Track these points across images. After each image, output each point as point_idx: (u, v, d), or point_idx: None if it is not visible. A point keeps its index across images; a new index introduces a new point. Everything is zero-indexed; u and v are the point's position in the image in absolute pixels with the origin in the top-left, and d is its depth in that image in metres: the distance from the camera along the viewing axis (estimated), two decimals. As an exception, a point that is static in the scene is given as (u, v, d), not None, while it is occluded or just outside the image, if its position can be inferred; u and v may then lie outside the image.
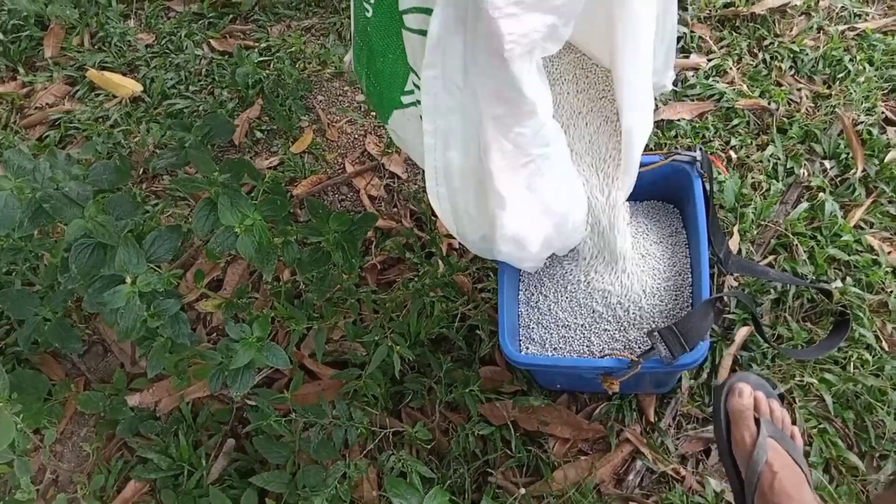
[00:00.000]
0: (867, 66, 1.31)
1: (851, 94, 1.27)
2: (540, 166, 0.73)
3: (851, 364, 1.04)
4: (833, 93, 1.29)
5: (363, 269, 1.23)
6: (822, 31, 1.38)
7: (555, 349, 0.95)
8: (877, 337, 1.06)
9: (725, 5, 1.43)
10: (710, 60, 1.37)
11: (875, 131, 1.23)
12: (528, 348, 0.97)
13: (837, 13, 1.39)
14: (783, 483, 0.84)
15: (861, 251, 1.13)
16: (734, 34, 1.40)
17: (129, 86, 1.55)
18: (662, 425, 1.05)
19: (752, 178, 1.22)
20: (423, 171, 0.77)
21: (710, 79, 1.34)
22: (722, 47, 1.39)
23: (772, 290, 1.11)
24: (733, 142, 1.27)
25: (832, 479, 0.99)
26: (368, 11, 0.75)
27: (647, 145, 1.27)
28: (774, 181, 1.21)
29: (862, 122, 1.24)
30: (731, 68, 1.35)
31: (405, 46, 0.74)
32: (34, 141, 1.51)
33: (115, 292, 0.84)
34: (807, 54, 1.34)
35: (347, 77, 1.50)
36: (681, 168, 0.97)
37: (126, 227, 1.01)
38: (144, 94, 1.55)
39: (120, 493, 1.09)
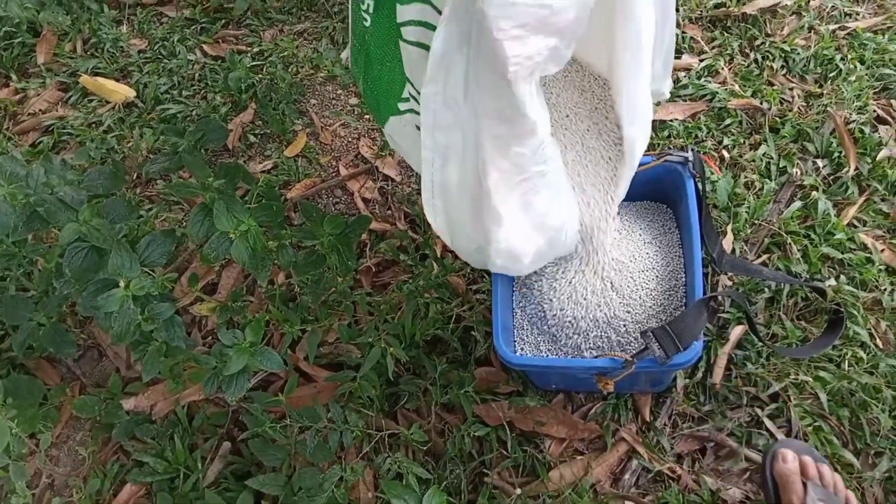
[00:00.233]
0: (858, 64, 1.31)
1: (843, 92, 1.28)
2: (536, 184, 0.74)
3: (846, 362, 1.04)
4: (825, 92, 1.30)
5: (358, 272, 1.23)
6: (813, 31, 1.38)
7: (549, 350, 0.96)
8: (871, 335, 1.06)
9: (716, 6, 1.43)
10: (701, 61, 1.37)
11: (867, 130, 1.23)
12: (522, 349, 0.97)
13: (828, 13, 1.40)
14: None
15: (854, 249, 1.14)
16: (725, 34, 1.40)
17: (123, 91, 1.55)
18: (658, 424, 1.06)
19: (745, 177, 1.23)
20: (417, 174, 0.77)
21: (703, 79, 1.35)
22: (713, 47, 1.40)
23: (766, 289, 1.12)
24: (726, 141, 1.27)
25: (827, 476, 0.99)
26: (367, 21, 0.75)
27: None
28: (767, 180, 1.22)
29: (854, 121, 1.25)
30: (722, 68, 1.36)
31: (402, 56, 0.75)
32: (27, 147, 1.51)
33: (109, 296, 0.84)
34: (798, 54, 1.35)
35: (340, 81, 1.50)
36: (673, 168, 0.97)
37: (121, 231, 1.02)
38: (138, 100, 1.55)
39: (116, 496, 1.09)
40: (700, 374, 1.07)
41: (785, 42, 1.37)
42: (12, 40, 1.66)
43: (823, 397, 1.03)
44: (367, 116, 1.45)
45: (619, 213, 0.98)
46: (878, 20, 1.37)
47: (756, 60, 1.36)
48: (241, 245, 0.89)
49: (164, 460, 1.08)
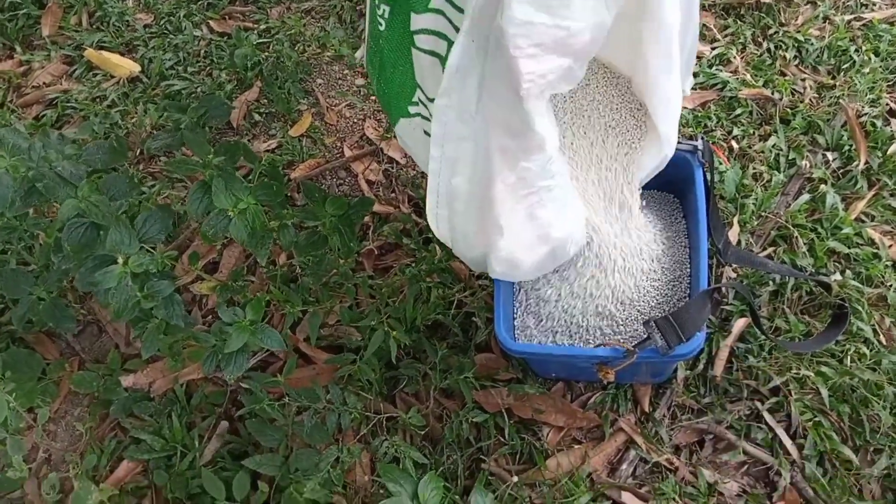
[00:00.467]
0: (873, 56, 1.29)
1: (856, 84, 1.26)
2: (542, 198, 0.75)
3: (848, 358, 1.04)
4: (837, 83, 1.28)
5: (360, 254, 1.22)
6: (827, 21, 1.36)
7: (550, 338, 0.95)
8: (875, 331, 1.05)
9: (731, -7, 1.41)
10: (714, 49, 1.35)
11: (879, 123, 1.21)
12: (523, 337, 0.96)
13: (844, 3, 1.38)
14: None
15: (861, 244, 1.12)
16: (739, 22, 1.38)
17: (127, 66, 1.54)
18: (657, 415, 1.05)
19: (754, 168, 1.21)
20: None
21: (714, 67, 1.33)
22: (726, 35, 1.37)
23: (770, 282, 1.11)
24: (735, 131, 1.25)
25: (825, 472, 0.99)
26: (381, 25, 0.77)
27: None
28: (776, 172, 1.20)
29: (866, 114, 1.23)
30: (735, 57, 1.34)
31: (413, 63, 0.76)
32: (31, 120, 1.50)
33: (107, 272, 0.83)
34: (812, 44, 1.32)
35: (347, 61, 1.48)
36: (682, 157, 0.96)
37: (121, 207, 1.01)
38: (142, 75, 1.53)
39: (113, 472, 1.09)
40: (701, 366, 1.07)
41: (799, 32, 1.34)
42: (17, 11, 1.64)
43: (824, 392, 1.02)
44: (372, 98, 1.43)
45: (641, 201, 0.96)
46: (894, 11, 1.34)
47: (769, 50, 1.34)
48: (240, 223, 0.88)
49: (162, 438, 1.08)
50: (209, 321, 1.21)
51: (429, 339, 1.12)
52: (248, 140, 1.42)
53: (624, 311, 0.93)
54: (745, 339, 1.08)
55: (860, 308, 1.06)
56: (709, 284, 0.88)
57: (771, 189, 1.18)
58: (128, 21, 1.62)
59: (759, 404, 1.04)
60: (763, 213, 1.16)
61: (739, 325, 1.08)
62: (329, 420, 0.99)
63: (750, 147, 1.23)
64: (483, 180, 0.73)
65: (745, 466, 1.02)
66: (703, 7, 1.41)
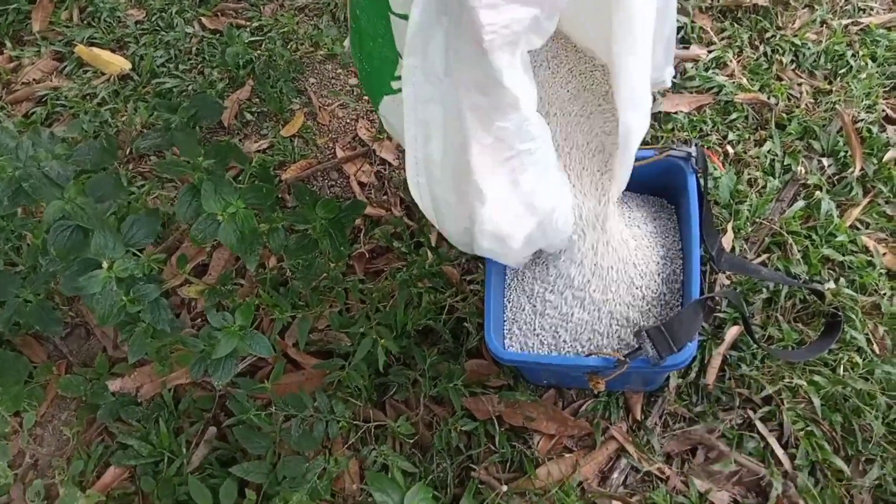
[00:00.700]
0: (870, 62, 1.28)
1: (852, 90, 1.25)
2: (524, 162, 0.71)
3: (841, 367, 1.03)
4: (834, 89, 1.27)
5: (351, 258, 1.21)
6: (825, 25, 1.35)
7: (541, 346, 0.94)
8: (868, 340, 1.04)
9: (728, -4, 1.40)
10: (710, 52, 1.34)
11: (875, 129, 1.21)
12: (514, 345, 0.95)
13: (841, 7, 1.36)
14: None
15: (856, 252, 1.11)
16: (735, 25, 1.37)
17: (118, 63, 1.52)
18: (649, 424, 1.04)
19: (749, 174, 1.20)
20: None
21: (710, 71, 1.32)
22: (723, 39, 1.36)
23: (764, 290, 1.10)
24: (731, 136, 1.24)
25: (817, 482, 0.98)
26: None
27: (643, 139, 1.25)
28: (771, 178, 1.19)
29: (862, 120, 1.22)
30: (731, 61, 1.32)
31: (393, 31, 0.73)
32: (20, 118, 1.48)
33: (91, 277, 0.82)
34: (809, 48, 1.31)
35: (340, 59, 1.47)
36: (675, 163, 0.95)
37: (109, 209, 1.00)
38: (133, 72, 1.52)
39: (99, 478, 1.08)
40: (693, 374, 1.06)
41: (796, 36, 1.33)
42: (7, 6, 1.62)
43: (817, 402, 1.01)
44: (365, 98, 1.42)
45: (619, 206, 0.96)
46: (892, 16, 1.33)
47: (765, 54, 1.33)
48: (229, 227, 0.87)
49: (149, 444, 1.07)
50: (198, 324, 1.20)
51: (419, 345, 1.11)
52: (240, 140, 1.40)
53: (616, 318, 0.92)
54: (737, 347, 1.07)
55: (854, 316, 1.05)
56: (701, 293, 0.87)
57: (766, 195, 1.17)
58: (119, 17, 1.60)
59: (751, 413, 1.03)
60: (757, 220, 1.16)
61: (732, 332, 1.07)
62: (316, 428, 0.98)
63: (745, 152, 1.22)
64: (459, 143, 0.70)
65: (737, 476, 1.01)
66: (700, 9, 1.40)
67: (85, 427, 1.13)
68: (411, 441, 1.05)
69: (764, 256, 1.14)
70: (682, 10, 1.39)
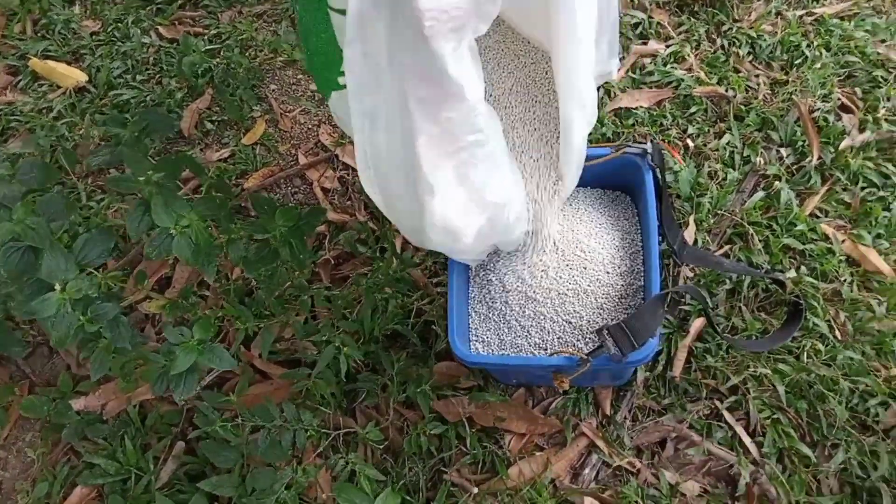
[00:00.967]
0: (824, 51, 1.30)
1: (808, 80, 1.26)
2: (473, 153, 0.70)
3: (805, 354, 1.04)
4: (790, 79, 1.28)
5: (316, 265, 1.20)
6: (780, 16, 1.36)
7: (506, 347, 0.94)
8: (830, 326, 1.06)
9: (684, -11, 1.41)
10: (668, 47, 1.35)
11: (831, 118, 1.22)
12: (478, 347, 0.95)
13: (796, -3, 1.38)
14: None
15: (816, 240, 1.13)
16: (693, 19, 1.38)
17: (74, 75, 1.50)
18: (618, 418, 1.05)
19: (709, 166, 1.21)
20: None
21: (669, 65, 1.33)
22: (680, 33, 1.37)
23: (727, 281, 1.11)
24: (691, 130, 1.25)
25: (785, 468, 0.99)
26: None
27: (604, 134, 1.26)
28: (731, 170, 1.20)
29: (818, 109, 1.23)
30: (689, 55, 1.33)
31: (334, 26, 0.72)
32: (-26, 134, 1.45)
33: (44, 300, 0.80)
34: (765, 40, 1.33)
35: (300, 65, 1.45)
36: (632, 160, 0.95)
37: (62, 227, 0.98)
38: (90, 85, 1.49)
39: (66, 499, 1.06)
40: (660, 367, 1.06)
41: (752, 28, 1.34)
42: (-43, 21, 1.59)
43: (781, 390, 1.02)
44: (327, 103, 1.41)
45: (570, 202, 0.95)
46: (844, 6, 1.35)
47: (723, 46, 1.34)
48: (183, 241, 0.86)
49: (116, 461, 1.05)
50: (163, 338, 1.18)
51: (387, 350, 1.10)
52: (200, 150, 1.39)
53: (578, 315, 0.92)
54: (703, 339, 1.08)
55: (815, 304, 1.06)
56: (662, 288, 0.88)
57: (726, 187, 1.18)
58: (74, 29, 1.57)
59: (718, 403, 1.04)
60: (719, 212, 1.17)
61: (697, 324, 1.08)
62: (284, 438, 0.97)
63: (705, 145, 1.23)
64: (406, 134, 0.68)
65: (707, 466, 1.02)
66: (657, 4, 1.40)
67: (50, 448, 1.11)
68: (382, 447, 1.04)
69: (726, 248, 1.15)
70: (639, 6, 1.40)
